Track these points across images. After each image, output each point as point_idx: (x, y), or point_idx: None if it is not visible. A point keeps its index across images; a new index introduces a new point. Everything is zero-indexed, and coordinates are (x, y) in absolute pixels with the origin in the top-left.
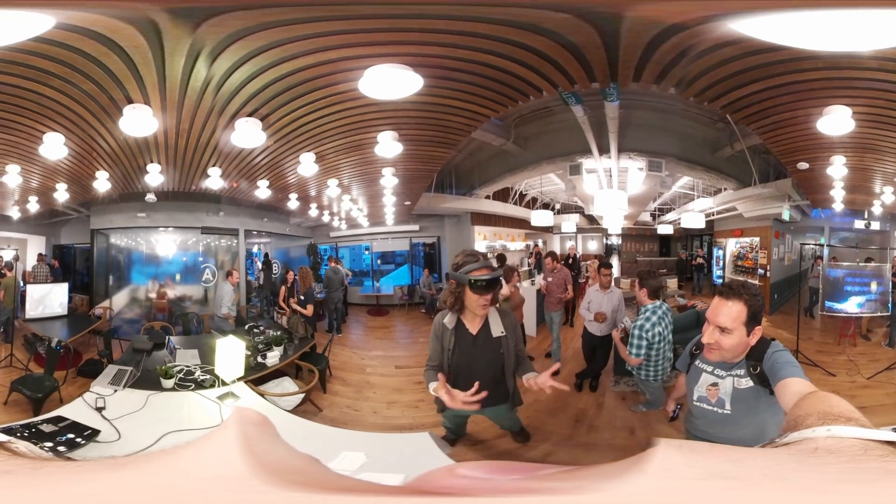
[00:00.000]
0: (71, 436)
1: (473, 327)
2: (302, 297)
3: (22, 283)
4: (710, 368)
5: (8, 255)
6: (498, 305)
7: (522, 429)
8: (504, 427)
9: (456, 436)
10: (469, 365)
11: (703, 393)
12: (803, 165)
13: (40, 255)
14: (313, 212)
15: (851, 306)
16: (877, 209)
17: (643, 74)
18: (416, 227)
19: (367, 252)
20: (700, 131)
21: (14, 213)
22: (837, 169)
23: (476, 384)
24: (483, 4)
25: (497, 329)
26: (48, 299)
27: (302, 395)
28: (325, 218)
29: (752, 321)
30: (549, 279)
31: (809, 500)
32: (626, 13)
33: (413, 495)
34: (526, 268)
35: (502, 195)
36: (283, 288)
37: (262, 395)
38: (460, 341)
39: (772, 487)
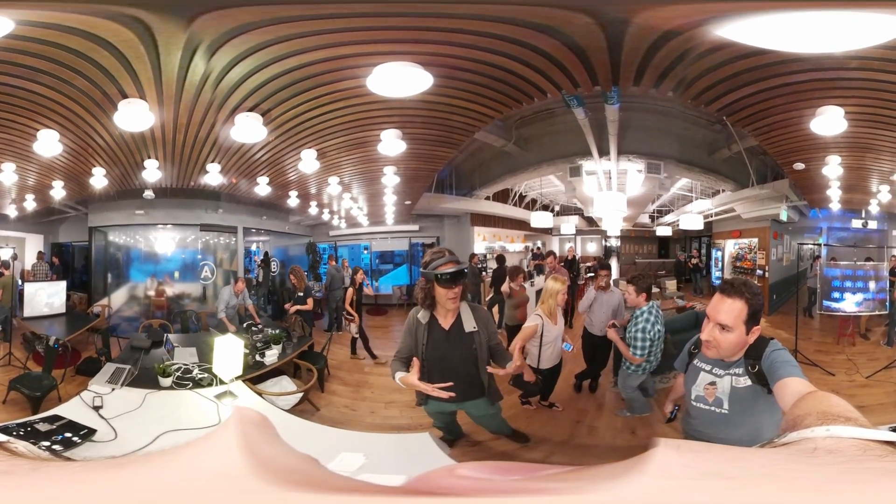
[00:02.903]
0: (67, 435)
1: (446, 322)
2: (300, 295)
3: (20, 282)
4: (708, 367)
5: (5, 254)
6: (470, 300)
7: (515, 431)
8: (493, 430)
9: (454, 436)
10: (442, 359)
11: (700, 392)
12: (799, 166)
13: (40, 253)
14: (313, 210)
15: (850, 305)
16: (874, 208)
17: (643, 78)
18: (415, 227)
19: (365, 252)
20: (698, 133)
21: (11, 211)
22: (833, 169)
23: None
24: (494, 3)
25: (469, 324)
26: (49, 296)
27: (300, 395)
28: (325, 216)
29: (751, 320)
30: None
31: (809, 500)
32: (633, 18)
33: (413, 496)
34: (525, 269)
35: (502, 196)
36: (349, 290)
37: (259, 394)
38: (433, 336)
39: (771, 488)
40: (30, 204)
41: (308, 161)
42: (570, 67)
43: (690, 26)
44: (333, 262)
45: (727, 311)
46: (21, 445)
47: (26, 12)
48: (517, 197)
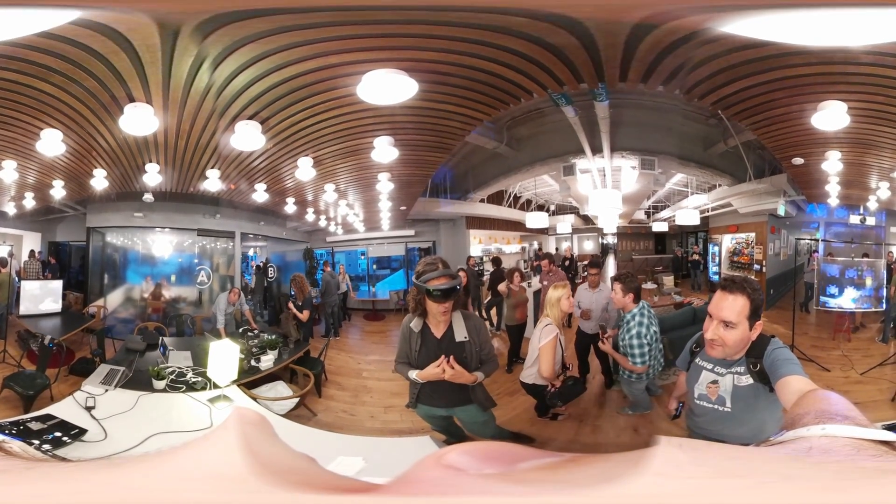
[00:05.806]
0: (57, 434)
1: (438, 331)
2: (300, 303)
3: (17, 280)
4: (709, 366)
5: (2, 251)
6: (464, 307)
7: (517, 434)
8: (488, 437)
9: (456, 439)
10: None
11: (703, 391)
12: (798, 161)
13: (32, 251)
14: (310, 216)
15: (846, 301)
16: (872, 204)
17: (629, 74)
18: (411, 232)
19: (362, 257)
20: (692, 128)
21: (10, 208)
22: (832, 164)
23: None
24: (466, 10)
25: (461, 333)
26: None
27: (296, 400)
28: (322, 223)
29: (753, 315)
30: (545, 282)
31: (810, 499)
32: (573, 14)
33: (411, 495)
34: (523, 268)
35: (497, 198)
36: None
37: (254, 398)
38: (426, 344)
39: (775, 486)
40: (29, 202)
41: (304, 168)
42: (552, 67)
43: (665, 18)
44: (328, 269)
45: (730, 307)
46: (16, 445)
47: (92, 12)
48: (512, 198)
